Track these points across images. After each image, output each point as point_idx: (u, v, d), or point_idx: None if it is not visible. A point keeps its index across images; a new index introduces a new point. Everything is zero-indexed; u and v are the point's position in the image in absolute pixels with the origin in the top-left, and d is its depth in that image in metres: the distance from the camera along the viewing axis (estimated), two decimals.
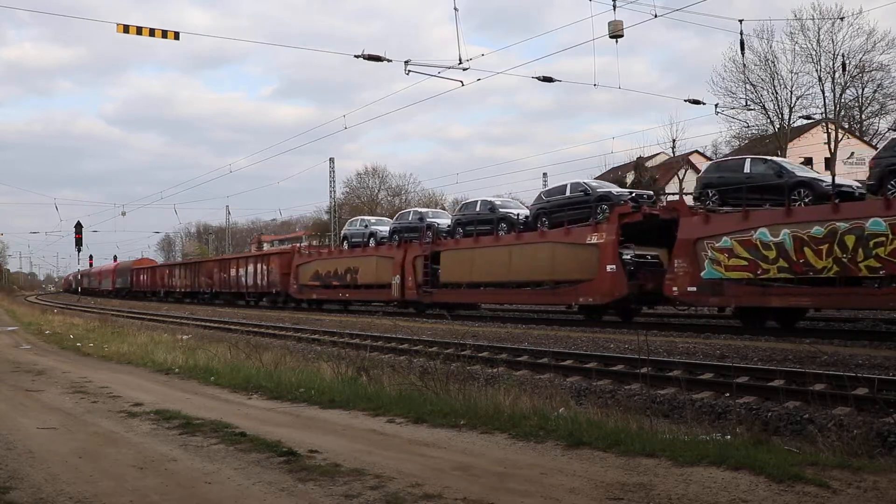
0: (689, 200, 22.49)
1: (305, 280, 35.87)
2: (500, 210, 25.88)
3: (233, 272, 44.37)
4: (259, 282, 40.76)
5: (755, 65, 46.86)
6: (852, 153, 50.69)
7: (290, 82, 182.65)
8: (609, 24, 18.53)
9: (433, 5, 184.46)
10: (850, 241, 15.36)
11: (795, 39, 46.46)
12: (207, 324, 27.90)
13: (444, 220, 29.34)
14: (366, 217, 37.51)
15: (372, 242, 32.38)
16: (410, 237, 29.24)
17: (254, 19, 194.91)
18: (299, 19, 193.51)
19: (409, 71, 19.04)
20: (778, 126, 47.92)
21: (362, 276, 31.57)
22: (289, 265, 37.36)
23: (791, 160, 25.33)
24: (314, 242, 70.41)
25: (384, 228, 32.50)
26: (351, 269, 32.42)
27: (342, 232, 36.25)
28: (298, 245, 46.10)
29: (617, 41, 19.06)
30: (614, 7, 18.28)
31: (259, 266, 40.96)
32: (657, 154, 59.91)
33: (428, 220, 29.30)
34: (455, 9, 18.94)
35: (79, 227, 47.67)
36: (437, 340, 17.18)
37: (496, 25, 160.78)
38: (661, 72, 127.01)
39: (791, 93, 47.04)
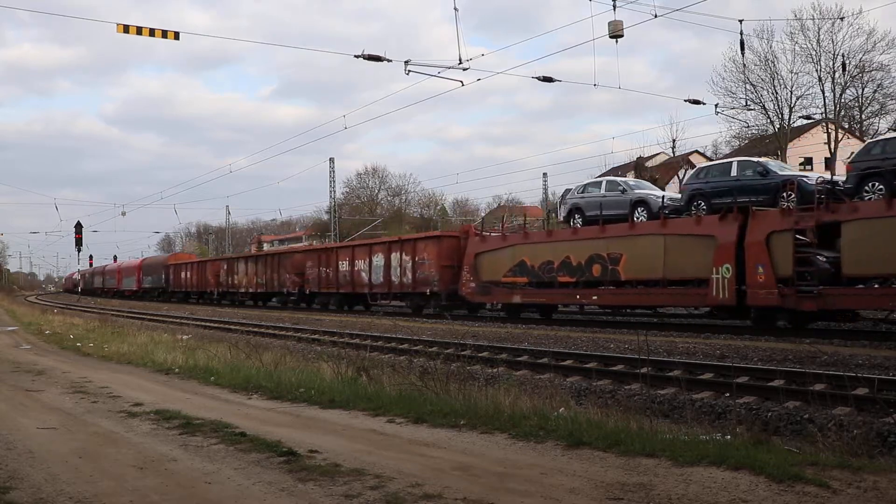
0: None
1: (496, 275, 24.31)
2: None
3: (344, 266, 32.74)
4: (397, 278, 29.20)
5: (755, 65, 46.88)
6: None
7: (290, 82, 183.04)
8: (609, 24, 18.56)
9: (432, 6, 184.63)
10: None
11: (795, 39, 46.49)
12: (207, 324, 27.89)
13: (788, 173, 18.82)
14: (615, 178, 25.29)
15: (640, 216, 20.71)
16: (751, 202, 18.05)
17: (253, 19, 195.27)
18: (299, 19, 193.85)
19: (410, 71, 19.04)
20: (778, 126, 47.94)
21: (631, 268, 20.00)
22: (455, 254, 26.37)
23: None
24: (314, 242, 70.29)
25: (657, 194, 21.78)
26: (602, 258, 20.61)
27: (565, 201, 23.71)
28: (477, 224, 33.65)
29: (617, 41, 19.11)
30: (614, 7, 18.31)
31: (397, 256, 29.17)
32: (657, 154, 59.99)
33: (779, 172, 18.68)
34: (455, 9, 18.96)
35: (79, 227, 47.62)
36: (437, 340, 17.18)
37: (495, 25, 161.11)
38: (660, 72, 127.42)
39: (791, 93, 47.07)
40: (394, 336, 18.55)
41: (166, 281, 56.83)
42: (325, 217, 73.85)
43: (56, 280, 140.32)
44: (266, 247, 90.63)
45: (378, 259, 30.53)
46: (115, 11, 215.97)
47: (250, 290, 42.85)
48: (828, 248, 16.50)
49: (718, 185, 19.08)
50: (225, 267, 46.86)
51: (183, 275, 53.55)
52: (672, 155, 57.54)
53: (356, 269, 31.95)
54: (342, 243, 40.37)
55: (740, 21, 21.70)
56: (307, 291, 36.07)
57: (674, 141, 55.88)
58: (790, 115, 47.37)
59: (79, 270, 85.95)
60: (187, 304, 49.55)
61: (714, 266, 18.01)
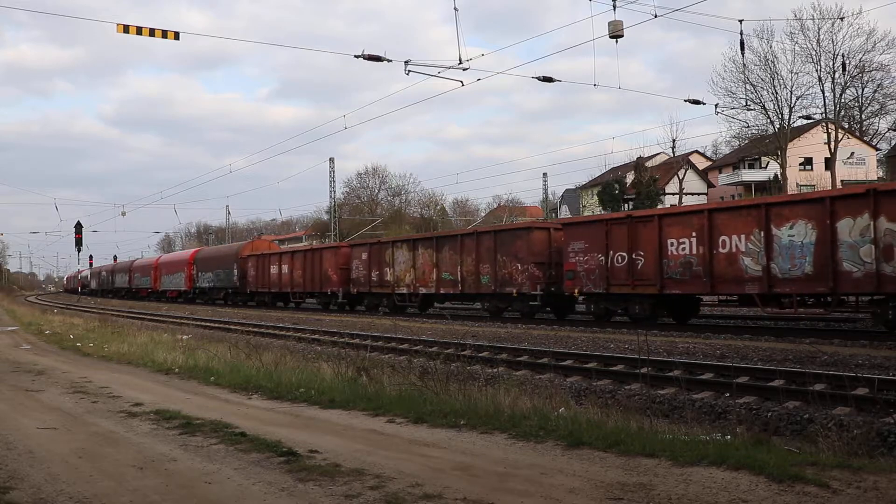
0: (688, 200, 21.59)
1: None
2: None
3: (675, 246, 18.39)
4: (858, 265, 14.92)
5: (755, 65, 47.02)
6: (852, 153, 50.85)
7: (288, 83, 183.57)
8: (609, 24, 18.59)
9: (428, 7, 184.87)
10: None
11: (795, 39, 46.65)
12: (207, 324, 27.87)
13: None
14: None
15: None
16: None
17: (251, 20, 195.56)
18: (297, 20, 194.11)
19: (410, 71, 19.03)
20: (778, 126, 47.97)
21: None
22: None
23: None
24: (314, 242, 70.30)
25: None
26: None
27: None
28: None
29: (617, 41, 19.13)
30: (614, 7, 18.32)
31: (856, 224, 14.93)
32: (657, 154, 60.05)
33: None
34: (455, 8, 18.92)
35: (79, 227, 47.64)
36: (437, 340, 17.17)
37: (493, 26, 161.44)
38: (658, 72, 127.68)
39: (791, 93, 47.19)
40: (394, 336, 18.54)
41: (241, 278, 41.99)
42: (325, 217, 73.94)
43: (56, 280, 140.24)
44: None
45: (796, 230, 16.02)
46: (113, 12, 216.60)
47: (421, 291, 27.68)
48: None
49: None
50: (365, 255, 30.90)
51: (273, 269, 38.19)
52: (672, 155, 57.53)
53: (723, 251, 17.37)
54: (670, 209, 22.69)
55: (740, 21, 21.78)
56: (576, 292, 21.23)
57: (674, 141, 55.97)
58: (790, 115, 47.50)
59: (90, 267, 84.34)
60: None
61: None
